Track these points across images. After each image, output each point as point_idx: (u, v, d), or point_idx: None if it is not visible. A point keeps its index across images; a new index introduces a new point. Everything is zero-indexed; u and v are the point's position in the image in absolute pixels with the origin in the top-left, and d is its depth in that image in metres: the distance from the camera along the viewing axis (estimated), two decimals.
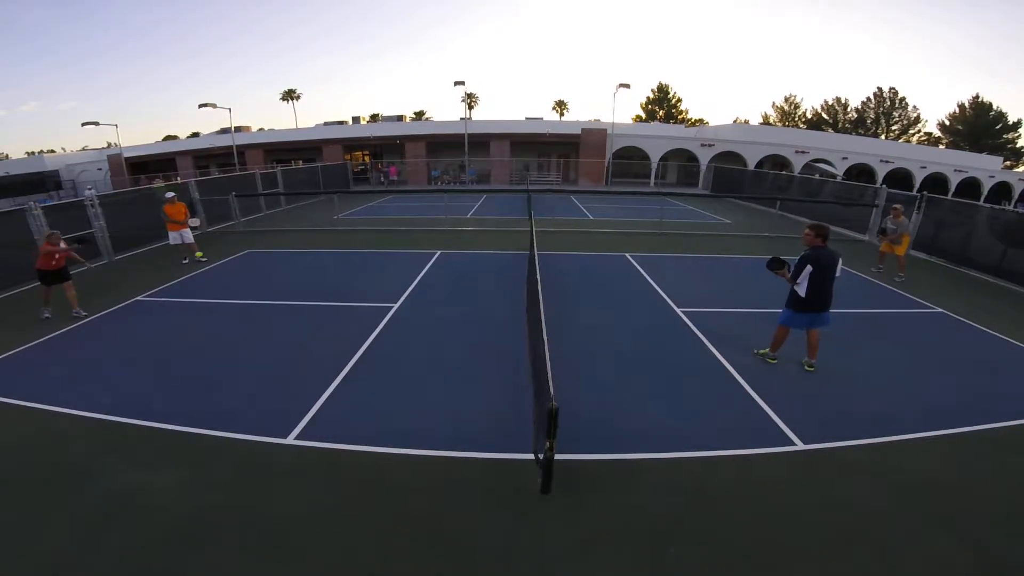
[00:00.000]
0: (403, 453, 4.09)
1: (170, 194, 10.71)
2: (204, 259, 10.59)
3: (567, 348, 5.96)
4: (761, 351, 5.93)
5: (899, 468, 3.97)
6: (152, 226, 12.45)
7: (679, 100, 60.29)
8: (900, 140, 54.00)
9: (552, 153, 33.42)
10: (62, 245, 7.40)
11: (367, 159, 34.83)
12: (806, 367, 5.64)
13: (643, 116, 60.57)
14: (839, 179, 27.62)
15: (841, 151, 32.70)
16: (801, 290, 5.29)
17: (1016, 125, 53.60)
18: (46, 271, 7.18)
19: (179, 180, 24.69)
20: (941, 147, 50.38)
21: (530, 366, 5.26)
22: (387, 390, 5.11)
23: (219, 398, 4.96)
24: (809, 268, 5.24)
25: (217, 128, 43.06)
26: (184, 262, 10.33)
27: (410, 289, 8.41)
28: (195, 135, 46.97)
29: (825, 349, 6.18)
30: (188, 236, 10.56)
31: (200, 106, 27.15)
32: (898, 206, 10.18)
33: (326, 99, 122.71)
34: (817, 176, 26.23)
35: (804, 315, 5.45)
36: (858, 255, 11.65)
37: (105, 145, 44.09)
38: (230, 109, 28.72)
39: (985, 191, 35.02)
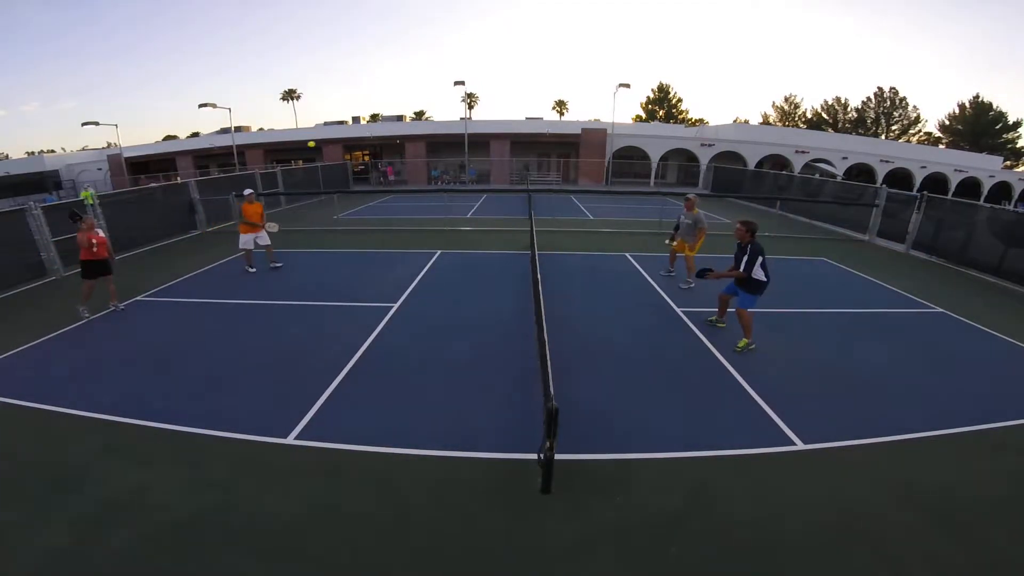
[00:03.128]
0: (403, 453, 4.09)
1: (248, 191, 9.75)
2: (279, 265, 9.86)
3: (567, 348, 5.96)
4: (741, 344, 6.06)
5: (899, 468, 3.98)
6: (152, 226, 12.49)
7: (679, 100, 60.43)
8: (900, 140, 54.00)
9: (552, 153, 33.42)
10: (100, 233, 7.18)
11: (367, 159, 34.84)
12: (719, 324, 6.70)
13: (643, 116, 60.63)
14: (839, 179, 27.63)
15: (841, 151, 32.72)
16: (761, 276, 5.81)
17: (1016, 125, 53.63)
18: (89, 261, 7.08)
19: (179, 180, 24.69)
20: (941, 147, 50.37)
21: (541, 364, 5.26)
22: (387, 390, 5.11)
23: (219, 398, 4.96)
24: (761, 257, 5.78)
25: (217, 128, 43.08)
26: (251, 270, 9.45)
27: (410, 289, 8.41)
28: (195, 135, 46.97)
29: (825, 349, 6.20)
30: (264, 238, 9.62)
31: (200, 106, 27.15)
32: (691, 196, 8.63)
33: (326, 99, 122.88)
34: (817, 176, 26.24)
35: (760, 297, 6.01)
36: (858, 255, 11.67)
37: (105, 145, 44.14)
38: (230, 109, 28.73)
39: (985, 191, 35.02)
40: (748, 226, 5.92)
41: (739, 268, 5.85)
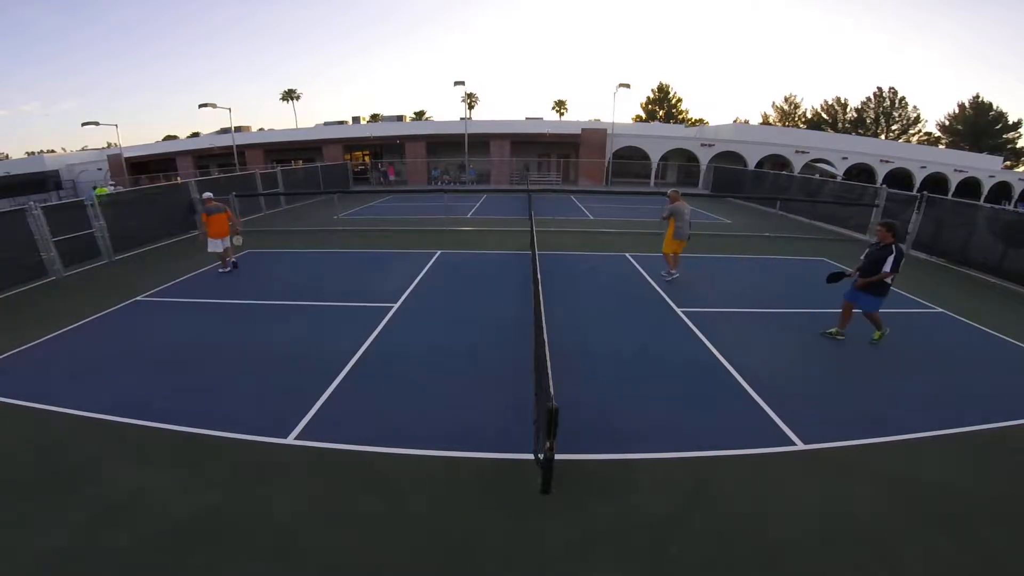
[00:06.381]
0: (403, 453, 4.09)
1: (207, 194, 9.92)
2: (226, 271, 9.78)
3: (567, 348, 5.96)
4: (877, 336, 6.26)
5: (899, 468, 3.98)
6: (152, 226, 12.49)
7: (679, 100, 60.40)
8: (900, 140, 53.99)
9: (552, 153, 33.43)
10: None
11: (367, 159, 34.84)
12: (839, 336, 6.38)
13: (643, 116, 60.61)
14: (839, 179, 27.62)
15: (841, 151, 32.70)
16: (890, 277, 5.87)
17: (1016, 125, 53.60)
18: None
19: (179, 180, 24.70)
20: (941, 147, 50.36)
21: (534, 366, 5.26)
22: (387, 390, 5.10)
23: (219, 398, 4.96)
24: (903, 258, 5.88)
25: (217, 128, 43.10)
26: (222, 269, 9.62)
27: (410, 289, 8.41)
28: (195, 135, 46.95)
29: (826, 349, 6.21)
30: (216, 246, 9.56)
31: (200, 106, 27.12)
32: (670, 192, 9.14)
33: (326, 99, 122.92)
34: (817, 176, 26.22)
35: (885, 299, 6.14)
36: (858, 255, 11.65)
37: (105, 145, 44.11)
38: (230, 109, 28.71)
39: (985, 191, 35.01)
40: (890, 227, 5.86)
41: (888, 270, 5.73)
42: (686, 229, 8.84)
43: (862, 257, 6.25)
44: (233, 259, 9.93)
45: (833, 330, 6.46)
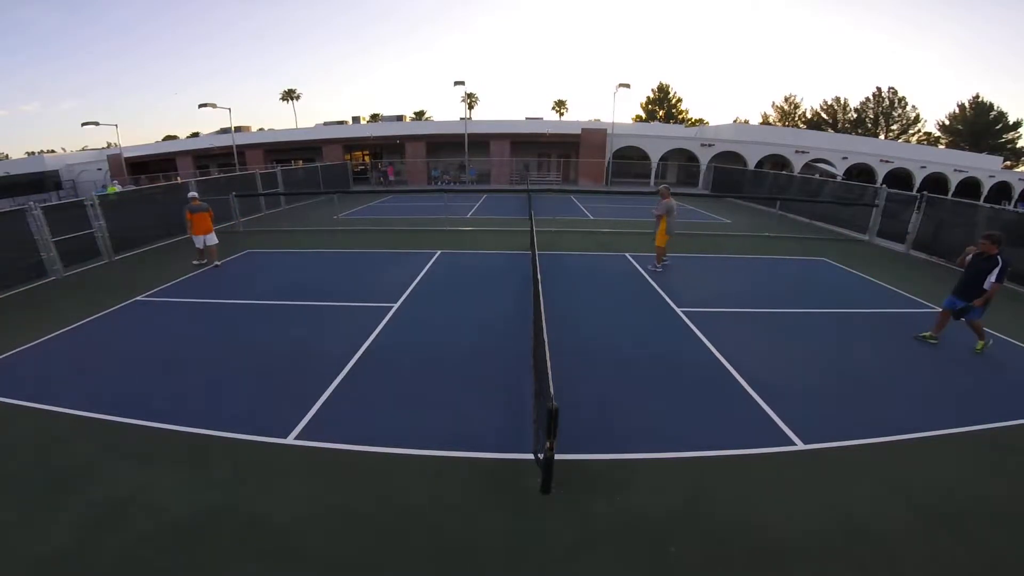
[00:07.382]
0: (403, 453, 4.09)
1: (191, 193, 10.33)
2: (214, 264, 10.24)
3: (567, 348, 5.96)
4: (979, 346, 6.26)
5: (899, 468, 3.98)
6: (152, 226, 12.50)
7: (679, 100, 60.44)
8: (900, 140, 53.99)
9: (552, 153, 33.41)
10: None
11: (367, 159, 34.85)
12: (932, 340, 6.45)
13: (643, 116, 60.64)
14: (839, 179, 27.61)
15: (841, 151, 32.69)
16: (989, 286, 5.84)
17: (1016, 125, 53.59)
18: None
19: (179, 180, 24.70)
20: (941, 147, 50.35)
21: (533, 366, 5.26)
22: (387, 390, 5.10)
23: (219, 398, 4.96)
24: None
25: (217, 128, 43.09)
26: (202, 263, 10.08)
27: (410, 289, 8.41)
28: (195, 135, 46.94)
29: (825, 349, 6.20)
30: (203, 241, 10.07)
31: (200, 106, 27.08)
32: (662, 187, 10.01)
33: (326, 99, 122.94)
34: (817, 176, 26.22)
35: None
36: (858, 255, 11.66)
37: (105, 145, 44.11)
38: (230, 109, 28.69)
39: (985, 191, 35.01)
40: (996, 239, 5.86)
41: (994, 281, 5.76)
42: (676, 223, 9.68)
43: (966, 257, 6.22)
44: (210, 259, 10.24)
45: (927, 334, 6.55)
